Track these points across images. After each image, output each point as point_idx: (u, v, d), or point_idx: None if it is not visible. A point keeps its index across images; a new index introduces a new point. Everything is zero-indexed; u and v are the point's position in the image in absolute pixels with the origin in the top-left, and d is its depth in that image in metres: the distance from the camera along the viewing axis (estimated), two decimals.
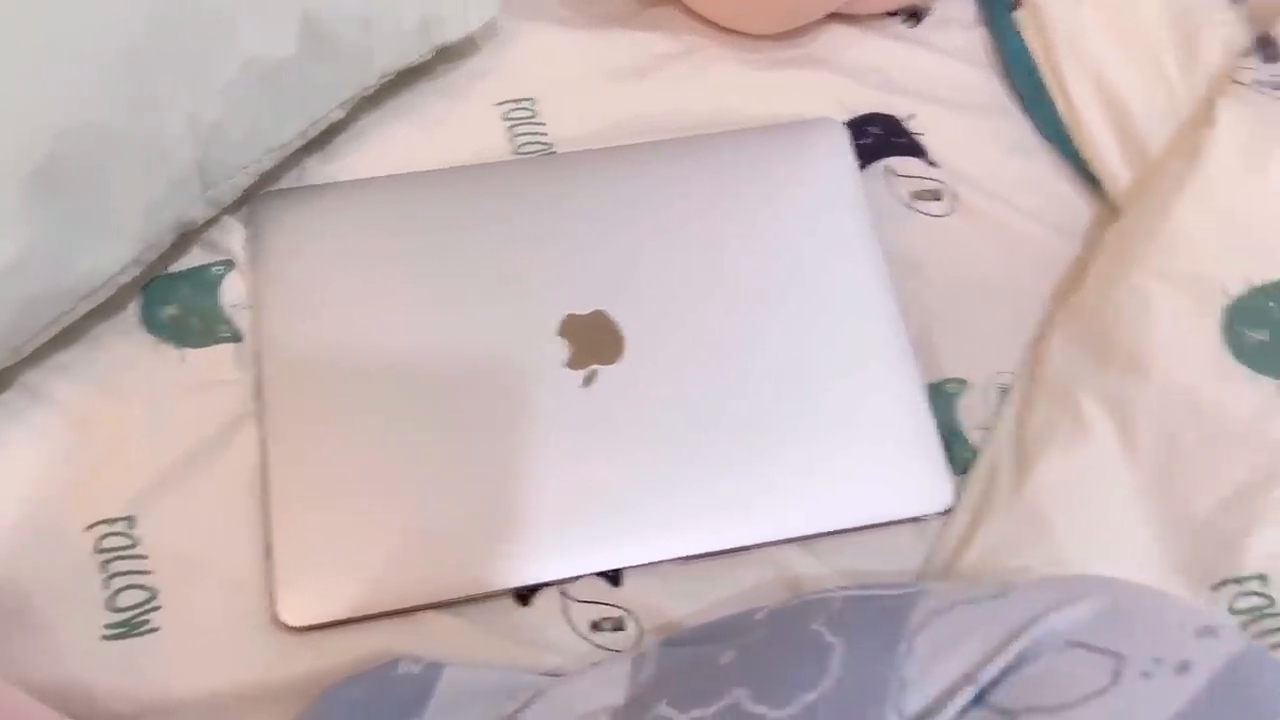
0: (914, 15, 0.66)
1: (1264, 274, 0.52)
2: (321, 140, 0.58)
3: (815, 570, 0.51)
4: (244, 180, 0.54)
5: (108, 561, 0.48)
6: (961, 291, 0.57)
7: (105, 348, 0.52)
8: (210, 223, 0.55)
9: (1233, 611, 0.47)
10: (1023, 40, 0.63)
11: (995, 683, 0.38)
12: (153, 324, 0.53)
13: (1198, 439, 0.50)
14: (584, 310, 0.53)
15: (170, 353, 0.52)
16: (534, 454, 0.50)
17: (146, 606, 0.47)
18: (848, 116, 0.61)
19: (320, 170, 0.58)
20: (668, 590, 0.50)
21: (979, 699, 0.38)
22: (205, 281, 0.54)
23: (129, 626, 0.47)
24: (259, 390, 0.51)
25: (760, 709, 0.39)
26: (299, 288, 0.53)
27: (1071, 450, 0.51)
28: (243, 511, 0.49)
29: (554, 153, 0.59)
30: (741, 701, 0.39)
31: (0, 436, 0.49)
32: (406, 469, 0.49)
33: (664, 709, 0.40)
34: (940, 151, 0.61)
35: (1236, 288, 0.52)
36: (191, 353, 0.52)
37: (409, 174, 0.57)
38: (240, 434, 0.51)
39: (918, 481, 0.52)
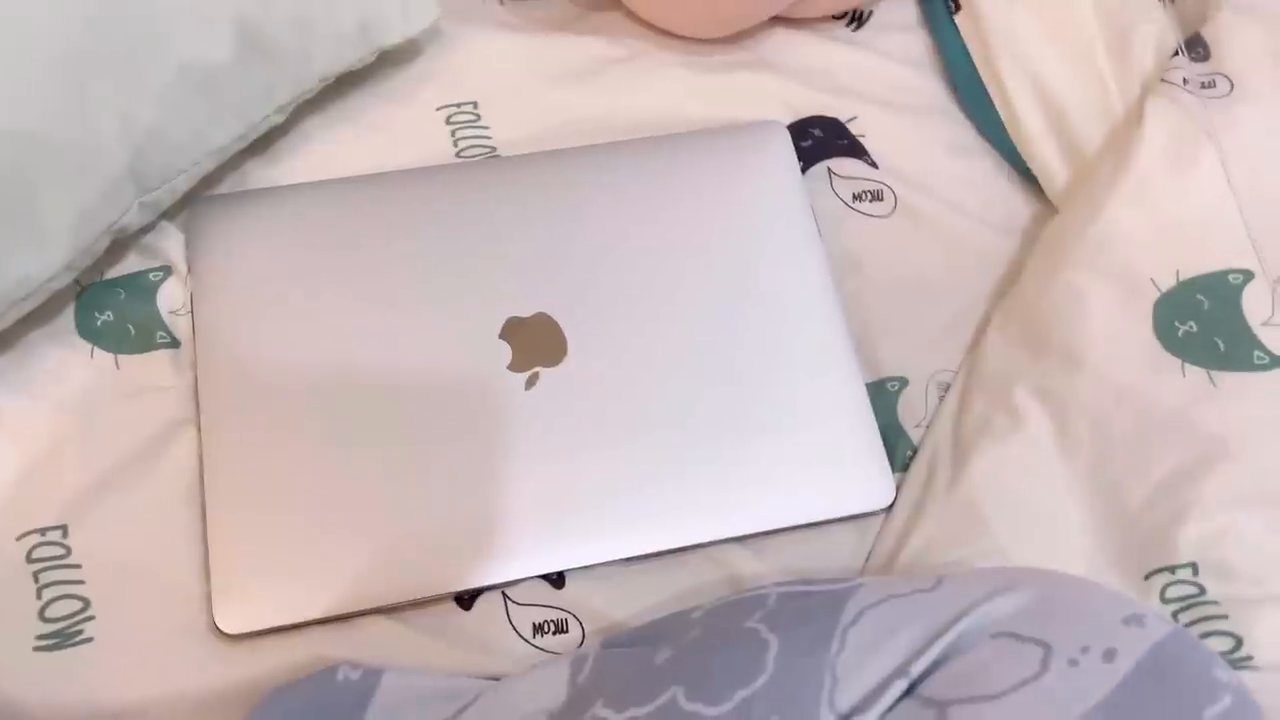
0: (856, 19, 0.66)
1: (1192, 267, 0.53)
2: (263, 144, 0.58)
3: (758, 569, 0.51)
4: (181, 185, 0.53)
5: (40, 571, 0.47)
6: (903, 291, 0.58)
7: (39, 355, 0.51)
8: (147, 228, 0.54)
9: (1165, 600, 0.48)
10: (963, 43, 0.64)
11: (926, 674, 0.38)
12: (88, 330, 0.52)
13: (1130, 430, 0.50)
14: (526, 313, 0.53)
15: (106, 359, 0.52)
16: (475, 457, 0.50)
17: (80, 617, 0.47)
18: (791, 119, 0.62)
19: (262, 175, 0.58)
20: (610, 592, 0.50)
21: (910, 691, 0.39)
22: (142, 287, 0.54)
23: (62, 637, 0.46)
24: (196, 397, 0.51)
25: (695, 706, 0.39)
26: (237, 293, 0.52)
27: (1006, 444, 0.51)
28: (179, 519, 0.49)
29: (497, 156, 0.59)
30: (677, 699, 0.39)
31: None
32: (345, 475, 0.49)
33: (601, 709, 0.40)
34: (881, 152, 0.62)
35: (1167, 281, 0.53)
36: (127, 359, 0.52)
37: (349, 178, 0.57)
38: (177, 441, 0.50)
39: (859, 479, 0.52)
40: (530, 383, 0.52)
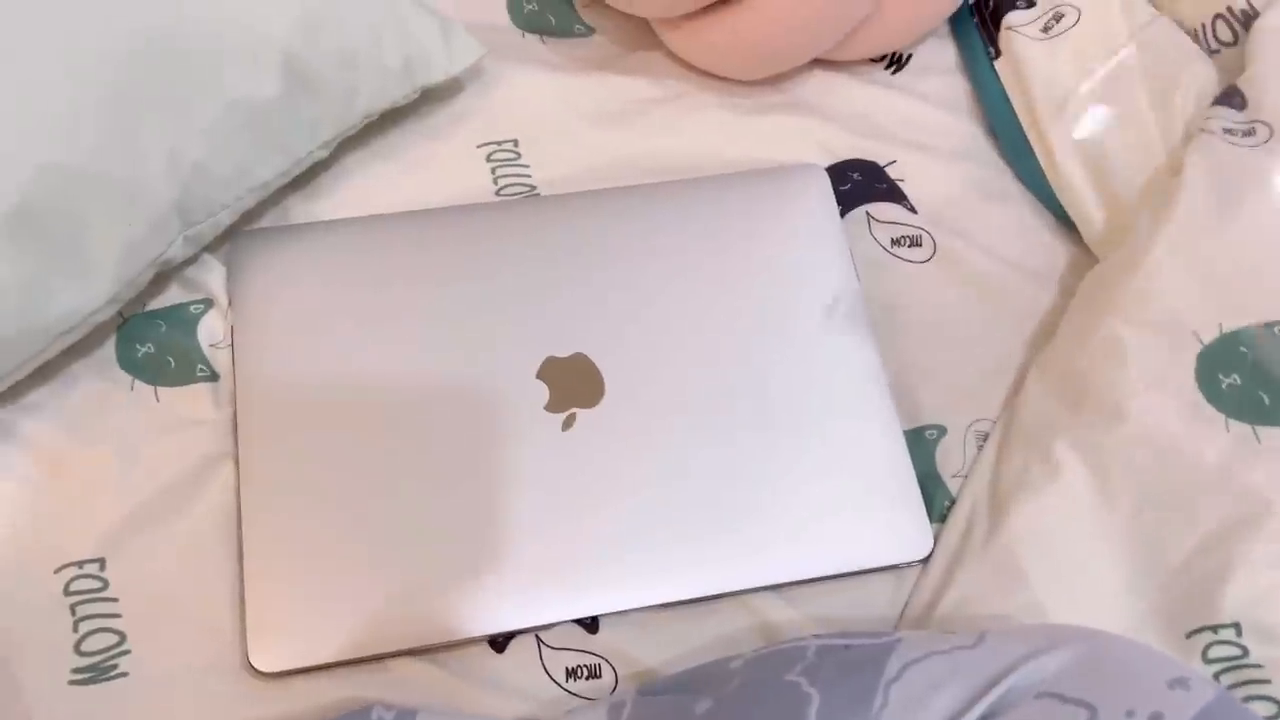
0: (895, 62, 0.67)
1: (1235, 320, 0.52)
2: (305, 179, 0.58)
3: (792, 617, 0.50)
4: (225, 219, 0.54)
5: (77, 604, 0.47)
6: (941, 338, 0.58)
7: (79, 386, 0.52)
8: (189, 261, 0.55)
9: (1206, 660, 0.47)
10: (1002, 88, 0.64)
11: None
12: (128, 362, 0.53)
13: (1171, 485, 0.50)
14: (564, 353, 0.53)
15: (146, 392, 0.52)
16: (511, 499, 0.50)
17: (115, 651, 0.47)
18: (829, 162, 0.62)
19: (303, 209, 0.58)
20: (644, 638, 0.49)
21: None
22: (183, 320, 0.54)
23: (97, 671, 0.46)
24: (235, 431, 0.51)
25: None
26: (278, 328, 0.53)
27: (1044, 497, 0.51)
28: (216, 554, 0.49)
29: (537, 195, 0.60)
30: None
31: None
32: (382, 513, 0.49)
33: None
34: (920, 198, 0.62)
35: (1209, 334, 0.52)
36: (167, 391, 0.52)
37: (390, 214, 0.57)
38: (215, 475, 0.50)
39: (896, 529, 0.52)
40: (567, 424, 0.51)
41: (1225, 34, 0.63)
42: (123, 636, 0.47)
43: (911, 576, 0.52)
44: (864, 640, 0.43)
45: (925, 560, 0.52)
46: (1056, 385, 0.54)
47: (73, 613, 0.47)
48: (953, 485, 0.54)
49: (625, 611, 0.49)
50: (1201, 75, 0.61)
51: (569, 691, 0.48)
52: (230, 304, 0.54)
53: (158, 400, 0.52)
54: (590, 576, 0.49)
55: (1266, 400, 0.51)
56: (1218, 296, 0.53)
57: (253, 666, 0.46)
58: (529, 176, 0.60)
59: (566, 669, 0.49)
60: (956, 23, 0.67)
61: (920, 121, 0.64)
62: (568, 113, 0.62)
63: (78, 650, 0.47)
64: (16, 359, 0.48)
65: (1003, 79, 0.64)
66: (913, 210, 0.61)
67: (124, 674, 0.46)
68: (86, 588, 0.48)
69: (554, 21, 0.66)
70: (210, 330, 0.54)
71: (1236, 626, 0.47)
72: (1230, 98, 0.59)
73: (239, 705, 0.46)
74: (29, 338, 0.48)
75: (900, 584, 0.52)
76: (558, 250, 0.56)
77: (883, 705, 0.39)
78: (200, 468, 0.51)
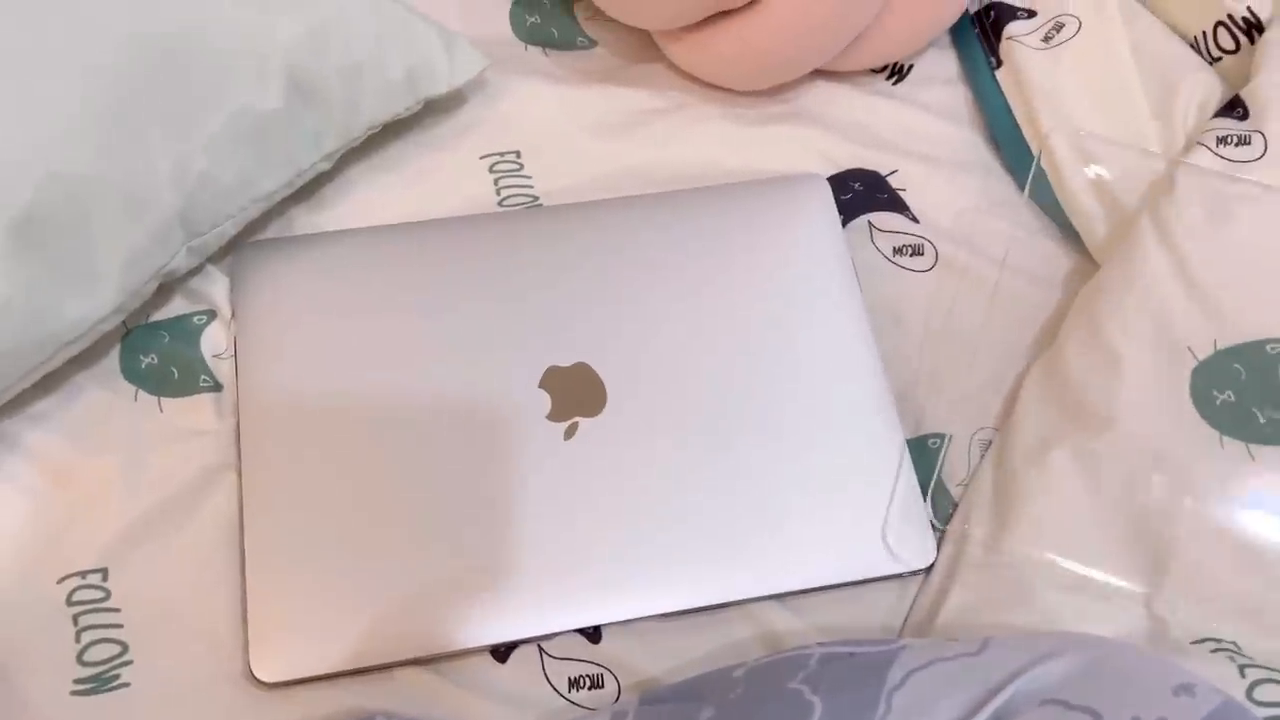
0: (897, 72, 0.67)
1: (1230, 337, 0.52)
2: (309, 190, 0.58)
3: (795, 626, 0.50)
4: (229, 230, 0.54)
5: (79, 615, 0.47)
6: (944, 346, 0.58)
7: (83, 396, 0.52)
8: (193, 272, 0.55)
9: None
10: (1004, 98, 0.64)
11: None
12: (132, 373, 0.53)
13: (1167, 500, 0.50)
14: (566, 362, 0.53)
15: (149, 402, 0.52)
16: (514, 508, 0.50)
17: (117, 661, 0.47)
18: (831, 171, 0.62)
19: (308, 220, 0.58)
20: (647, 647, 0.49)
21: None
22: (186, 331, 0.54)
23: (99, 681, 0.46)
24: (238, 441, 0.51)
25: None
26: (281, 338, 0.53)
27: (1043, 506, 0.51)
28: (219, 564, 0.49)
29: (540, 205, 0.60)
30: None
31: None
32: (385, 523, 0.49)
33: None
34: (922, 207, 0.62)
35: (1204, 350, 0.52)
36: (170, 402, 0.52)
37: (392, 225, 0.57)
38: (218, 485, 0.50)
39: (899, 538, 0.51)
40: (569, 433, 0.51)
41: (1227, 42, 0.63)
42: (125, 647, 0.47)
43: (914, 585, 0.52)
44: (867, 648, 0.43)
45: (928, 569, 0.52)
46: (1054, 395, 0.54)
47: (75, 623, 0.47)
48: (956, 494, 0.54)
49: (628, 621, 0.49)
50: (1203, 84, 0.61)
51: (572, 702, 0.48)
52: (233, 315, 0.54)
53: (161, 411, 0.52)
54: (593, 586, 0.49)
55: (1261, 418, 0.51)
56: (1211, 314, 0.53)
57: (255, 677, 0.46)
58: (531, 187, 0.60)
59: (569, 679, 0.49)
60: (957, 33, 0.67)
61: (921, 131, 0.64)
62: (570, 124, 0.62)
63: (80, 660, 0.47)
64: (21, 369, 0.48)
65: (1004, 89, 0.64)
66: (914, 219, 0.61)
67: (126, 684, 0.46)
68: (89, 598, 0.48)
69: (556, 34, 0.66)
70: (213, 341, 0.54)
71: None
72: (1233, 108, 0.59)
73: (241, 715, 0.46)
74: (33, 348, 0.48)
75: (903, 593, 0.52)
76: (560, 260, 0.56)
77: (886, 713, 0.39)
78: (203, 478, 0.51)
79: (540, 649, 0.49)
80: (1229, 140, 0.57)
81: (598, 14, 0.65)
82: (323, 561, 0.48)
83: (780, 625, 0.50)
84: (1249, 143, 0.57)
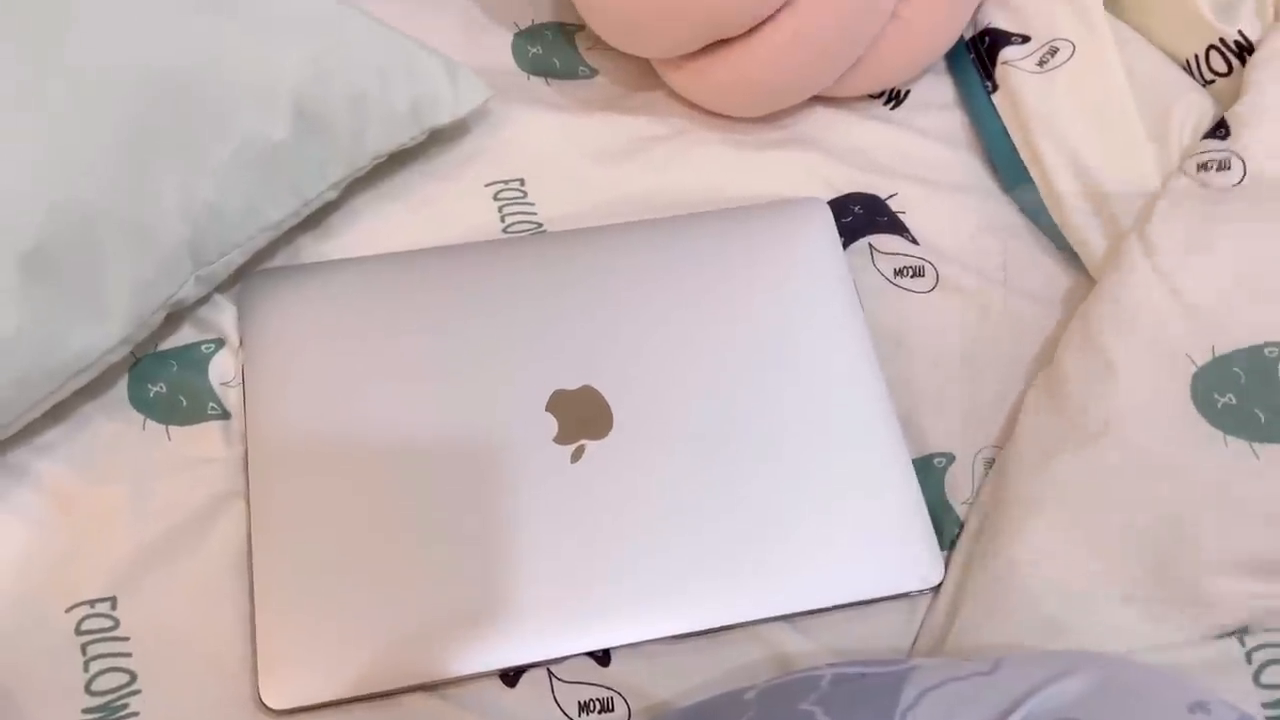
0: (894, 98, 0.68)
1: (1226, 344, 0.53)
2: (316, 219, 0.59)
3: (804, 647, 0.50)
4: (236, 259, 0.54)
5: (88, 644, 0.47)
6: (947, 367, 0.58)
7: (91, 426, 0.52)
8: (201, 301, 0.55)
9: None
10: (1000, 122, 0.64)
11: None
12: (140, 402, 0.53)
13: (1172, 504, 0.50)
14: (573, 385, 0.53)
15: (157, 430, 0.52)
16: (521, 532, 0.50)
17: (126, 690, 0.47)
18: (831, 195, 0.63)
19: (314, 249, 0.59)
20: (657, 670, 0.49)
21: None
22: (194, 359, 0.54)
23: (107, 711, 0.46)
24: (246, 469, 0.51)
25: None
26: (288, 366, 0.53)
27: (1046, 519, 0.51)
28: (227, 591, 0.49)
29: (544, 232, 0.60)
30: None
31: None
32: (393, 549, 0.49)
33: None
34: (921, 229, 0.62)
35: (1202, 357, 0.53)
36: (178, 430, 0.52)
37: (399, 253, 0.58)
38: (226, 513, 0.51)
39: (907, 558, 0.52)
40: (576, 455, 0.52)
41: (1220, 65, 0.64)
42: (133, 676, 0.47)
43: (923, 604, 0.52)
44: (878, 668, 0.43)
45: (937, 588, 0.52)
46: (1053, 408, 0.54)
47: (84, 652, 0.47)
48: (962, 512, 0.54)
49: (637, 644, 0.49)
50: (1197, 106, 0.62)
51: None
52: (241, 343, 0.54)
53: (169, 439, 0.52)
54: (601, 608, 0.49)
55: (1263, 418, 0.51)
56: (1204, 325, 0.54)
57: (264, 704, 0.46)
58: (535, 214, 0.61)
59: (579, 703, 0.48)
60: (953, 59, 0.68)
61: (919, 155, 0.65)
62: (572, 151, 0.63)
63: (88, 690, 0.46)
64: (30, 399, 0.48)
65: (1000, 112, 0.65)
66: (914, 241, 0.62)
67: (134, 714, 0.46)
68: (97, 627, 0.47)
69: (558, 64, 0.67)
70: (221, 369, 0.54)
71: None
72: (1217, 129, 0.60)
73: None
74: (42, 378, 0.48)
75: (913, 612, 0.52)
76: (565, 285, 0.56)
77: None
78: (211, 506, 0.51)
79: (549, 673, 0.49)
80: (1209, 166, 0.58)
81: (599, 44, 0.66)
82: (331, 587, 0.48)
83: (790, 646, 0.50)
84: (1228, 168, 0.58)
